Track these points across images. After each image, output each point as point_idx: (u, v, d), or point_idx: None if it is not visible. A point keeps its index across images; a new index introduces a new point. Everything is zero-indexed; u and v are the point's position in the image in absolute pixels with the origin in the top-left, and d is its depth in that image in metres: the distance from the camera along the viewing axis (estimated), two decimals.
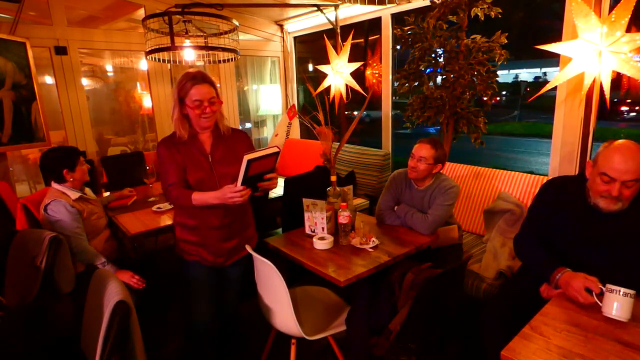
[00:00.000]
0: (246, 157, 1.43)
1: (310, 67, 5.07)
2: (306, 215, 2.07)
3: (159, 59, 2.77)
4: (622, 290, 1.17)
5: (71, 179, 2.10)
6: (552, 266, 1.48)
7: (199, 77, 1.60)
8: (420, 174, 2.09)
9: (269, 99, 4.94)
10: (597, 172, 1.44)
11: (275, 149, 1.56)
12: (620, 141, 1.42)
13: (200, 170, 1.68)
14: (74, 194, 2.10)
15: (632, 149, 1.37)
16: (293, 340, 1.85)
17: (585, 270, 1.41)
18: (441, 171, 2.17)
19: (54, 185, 2.09)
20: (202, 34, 2.99)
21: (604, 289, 1.23)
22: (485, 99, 2.74)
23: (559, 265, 1.46)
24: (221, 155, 1.73)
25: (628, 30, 1.90)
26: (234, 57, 2.86)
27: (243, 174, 1.44)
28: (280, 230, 3.00)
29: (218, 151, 1.73)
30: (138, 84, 4.64)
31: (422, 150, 2.06)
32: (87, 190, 2.27)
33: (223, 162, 1.72)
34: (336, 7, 3.72)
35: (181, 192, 1.64)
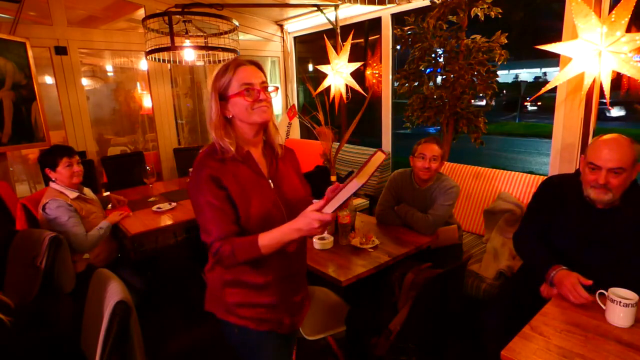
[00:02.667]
0: (358, 180, 1.02)
1: (310, 67, 5.07)
2: None
3: (159, 59, 2.77)
4: (623, 301, 1.17)
5: (54, 178, 2.08)
6: (548, 264, 1.48)
7: (243, 60, 1.17)
8: (433, 173, 2.11)
9: None
10: (585, 163, 1.48)
11: (384, 154, 1.03)
12: (608, 134, 1.45)
13: (265, 200, 1.16)
14: (72, 194, 2.10)
15: (618, 140, 1.41)
16: None
17: (583, 267, 1.41)
18: (441, 171, 2.18)
19: (52, 184, 2.09)
20: (202, 34, 2.99)
21: (605, 292, 1.23)
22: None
23: (554, 263, 1.46)
24: (281, 179, 1.25)
25: (628, 30, 1.90)
26: (234, 57, 2.85)
27: (346, 198, 1.07)
28: None
29: (278, 174, 1.25)
30: (138, 84, 4.64)
31: (432, 150, 2.08)
32: (87, 190, 2.27)
33: (288, 188, 1.25)
34: (336, 7, 3.72)
35: (239, 243, 1.09)
